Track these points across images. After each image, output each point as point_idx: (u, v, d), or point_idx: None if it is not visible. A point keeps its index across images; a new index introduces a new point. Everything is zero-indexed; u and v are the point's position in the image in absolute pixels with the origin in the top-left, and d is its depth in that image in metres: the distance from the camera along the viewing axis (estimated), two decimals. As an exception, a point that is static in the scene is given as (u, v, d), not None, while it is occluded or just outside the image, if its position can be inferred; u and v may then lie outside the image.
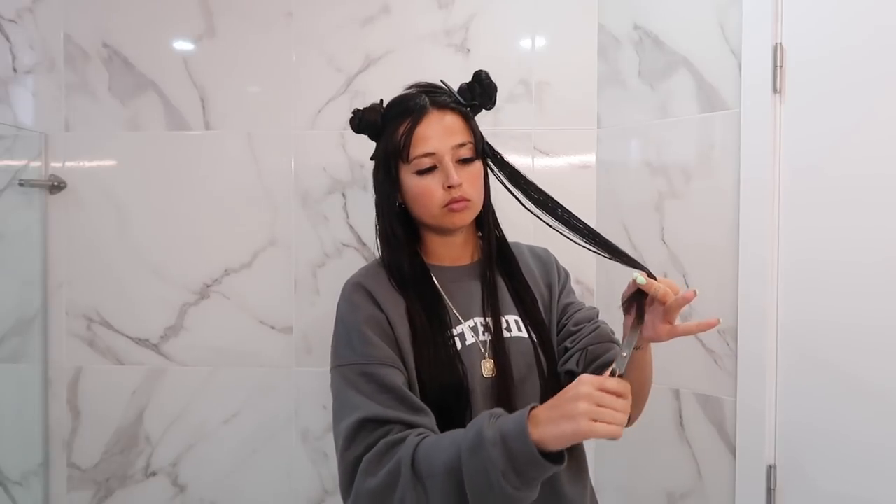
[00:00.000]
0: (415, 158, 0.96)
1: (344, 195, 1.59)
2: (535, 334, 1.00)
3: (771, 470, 1.28)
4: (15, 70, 1.59)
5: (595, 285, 1.56)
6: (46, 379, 1.62)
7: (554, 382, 0.99)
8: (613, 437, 0.73)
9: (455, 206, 0.95)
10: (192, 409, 1.60)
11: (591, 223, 1.54)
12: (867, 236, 1.15)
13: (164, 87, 1.60)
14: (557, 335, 1.05)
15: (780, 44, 1.25)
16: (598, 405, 0.73)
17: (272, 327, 1.60)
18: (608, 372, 0.79)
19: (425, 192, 0.96)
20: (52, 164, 1.61)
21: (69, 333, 1.62)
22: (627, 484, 1.51)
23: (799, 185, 1.23)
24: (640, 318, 0.85)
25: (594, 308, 1.09)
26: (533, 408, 0.78)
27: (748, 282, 1.29)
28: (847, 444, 1.18)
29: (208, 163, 1.60)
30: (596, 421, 0.72)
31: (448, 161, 0.95)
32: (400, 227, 1.01)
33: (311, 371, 1.58)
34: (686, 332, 0.83)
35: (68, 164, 1.61)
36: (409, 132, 0.96)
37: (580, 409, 0.73)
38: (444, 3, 1.56)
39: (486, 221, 1.05)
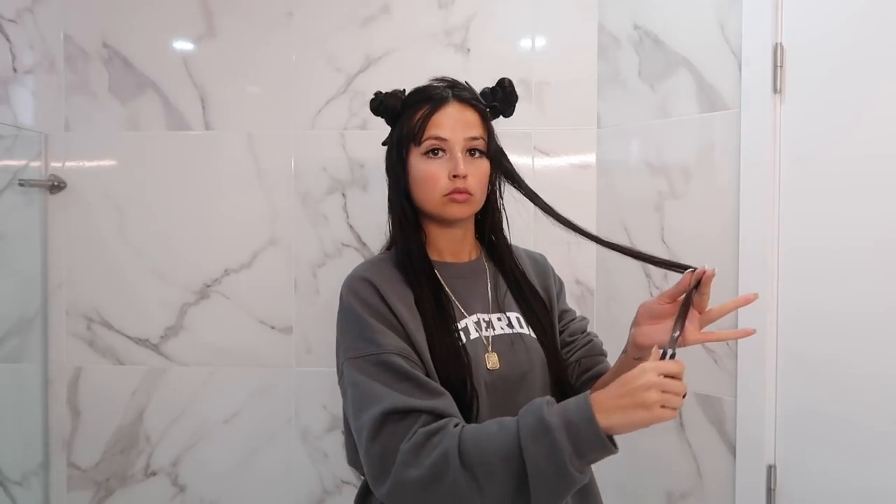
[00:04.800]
0: (426, 140, 0.97)
1: (344, 195, 1.59)
2: (537, 332, 1.02)
3: (771, 470, 1.28)
4: (15, 70, 1.58)
5: (595, 285, 1.56)
6: (46, 379, 1.62)
7: (558, 377, 1.02)
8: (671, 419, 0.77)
9: (457, 196, 0.96)
10: (192, 409, 1.60)
11: (592, 223, 1.57)
12: (868, 237, 1.15)
13: (164, 87, 1.60)
14: None
15: (780, 44, 1.25)
16: (664, 391, 0.76)
17: (272, 327, 1.60)
18: (658, 354, 0.81)
19: (430, 178, 0.97)
20: (52, 164, 1.61)
21: (69, 333, 1.61)
22: (627, 483, 1.51)
23: (799, 184, 1.23)
24: (684, 312, 0.89)
25: (585, 318, 1.14)
26: (591, 392, 0.80)
27: (748, 281, 1.29)
28: (847, 443, 1.18)
29: (208, 163, 1.60)
30: (664, 406, 0.76)
31: (458, 151, 0.96)
32: (410, 209, 1.02)
33: (311, 371, 1.58)
34: (708, 340, 0.90)
35: (68, 164, 1.61)
36: (427, 117, 0.97)
37: (653, 398, 0.75)
38: (444, 3, 1.56)
39: (486, 222, 1.07)
